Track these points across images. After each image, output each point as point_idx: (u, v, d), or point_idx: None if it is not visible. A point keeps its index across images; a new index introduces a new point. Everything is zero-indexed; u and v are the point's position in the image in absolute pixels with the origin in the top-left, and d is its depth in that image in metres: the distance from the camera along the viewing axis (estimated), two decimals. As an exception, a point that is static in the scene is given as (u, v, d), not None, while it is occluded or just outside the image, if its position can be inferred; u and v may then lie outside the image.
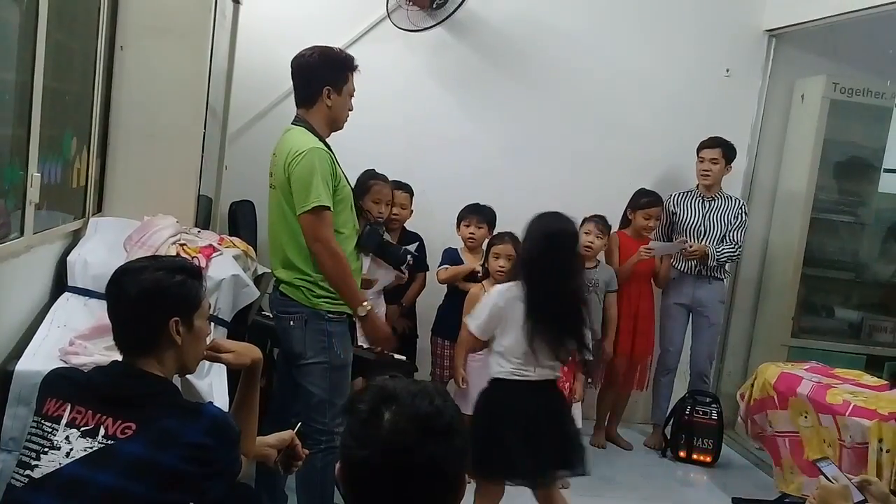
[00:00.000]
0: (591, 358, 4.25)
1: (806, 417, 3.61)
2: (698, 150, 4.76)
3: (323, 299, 2.99)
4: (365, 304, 3.06)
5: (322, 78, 3.03)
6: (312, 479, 3.00)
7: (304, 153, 2.88)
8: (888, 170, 4.05)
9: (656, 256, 4.67)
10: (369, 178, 4.03)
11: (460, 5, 4.59)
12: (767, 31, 5.12)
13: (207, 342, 2.05)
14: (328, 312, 3.00)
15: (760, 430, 3.95)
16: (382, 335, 3.22)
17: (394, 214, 4.17)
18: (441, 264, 4.32)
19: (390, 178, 4.22)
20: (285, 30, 4.62)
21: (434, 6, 4.56)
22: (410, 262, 3.77)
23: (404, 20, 4.61)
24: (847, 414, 3.33)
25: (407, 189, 4.36)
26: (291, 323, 3.01)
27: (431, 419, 1.33)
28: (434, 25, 4.64)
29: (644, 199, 4.69)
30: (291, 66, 3.08)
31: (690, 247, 4.63)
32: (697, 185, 4.82)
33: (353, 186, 3.77)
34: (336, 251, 2.94)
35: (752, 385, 3.97)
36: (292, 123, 3.07)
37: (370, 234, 3.41)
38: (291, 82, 3.11)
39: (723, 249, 4.64)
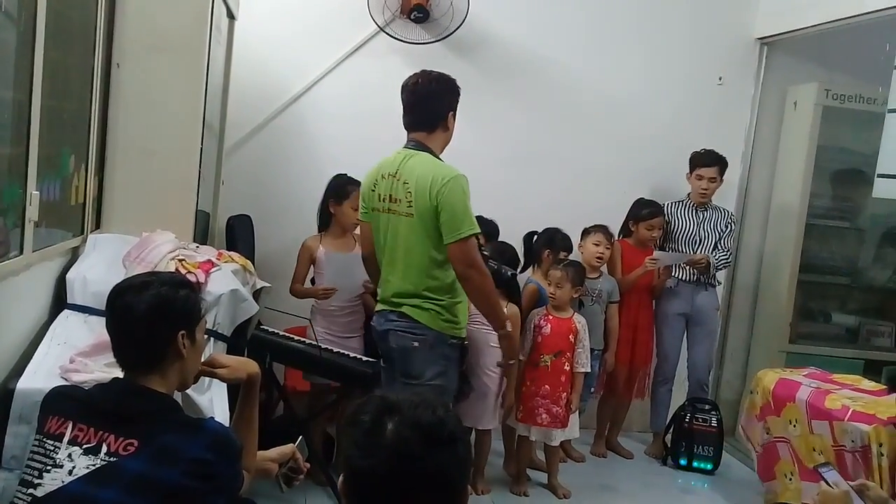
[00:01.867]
0: (589, 370, 4.28)
1: (794, 426, 3.62)
2: (695, 166, 4.75)
3: (449, 324, 3.09)
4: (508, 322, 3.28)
5: (447, 103, 3.14)
6: None
7: (451, 180, 2.96)
8: (882, 175, 4.06)
9: (661, 267, 4.68)
10: (346, 183, 3.99)
11: (460, 25, 4.61)
12: (759, 38, 5.15)
13: (204, 357, 2.06)
14: (451, 337, 3.10)
15: (761, 441, 3.96)
16: (517, 352, 3.63)
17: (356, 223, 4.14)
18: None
19: None
20: (281, 44, 4.65)
21: (412, 17, 4.57)
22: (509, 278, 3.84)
23: (395, 32, 4.63)
24: (846, 419, 3.34)
25: None
26: (416, 344, 3.05)
27: (434, 428, 1.34)
28: (433, 41, 4.66)
29: (645, 211, 4.71)
30: (412, 92, 3.12)
31: (695, 257, 4.65)
32: (689, 195, 4.84)
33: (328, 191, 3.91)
34: (487, 272, 3.05)
35: (753, 393, 3.98)
36: (410, 148, 3.10)
37: None
38: (408, 108, 3.15)
39: (719, 256, 4.70)
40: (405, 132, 4.67)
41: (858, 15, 4.32)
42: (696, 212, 4.79)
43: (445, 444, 1.34)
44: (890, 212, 5.21)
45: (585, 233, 4.60)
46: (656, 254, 4.64)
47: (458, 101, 3.20)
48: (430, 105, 3.12)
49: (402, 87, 3.16)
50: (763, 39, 5.14)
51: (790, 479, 3.73)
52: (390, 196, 3.07)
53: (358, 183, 4.00)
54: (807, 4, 4.70)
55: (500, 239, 4.30)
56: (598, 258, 4.51)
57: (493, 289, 3.12)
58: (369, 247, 3.30)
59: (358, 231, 3.74)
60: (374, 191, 3.15)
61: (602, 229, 4.58)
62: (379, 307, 3.24)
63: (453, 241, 2.96)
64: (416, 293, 3.05)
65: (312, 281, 4.13)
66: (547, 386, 4.08)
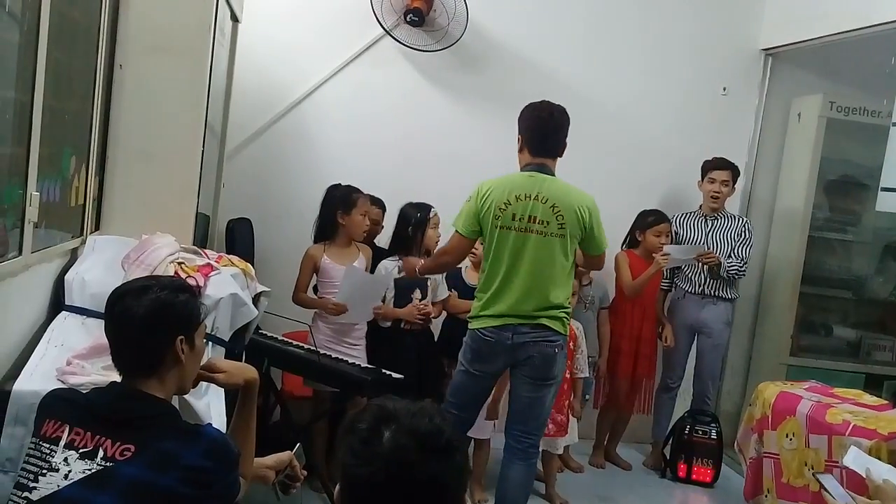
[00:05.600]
0: (588, 374, 4.27)
1: (791, 440, 3.60)
2: (707, 171, 4.75)
3: (567, 327, 3.51)
4: None
5: (567, 134, 3.50)
6: (529, 483, 3.61)
7: (594, 204, 3.46)
8: (885, 188, 4.04)
9: (672, 265, 4.64)
10: (351, 192, 4.00)
11: (464, 32, 4.62)
12: (764, 50, 5.15)
13: (202, 361, 2.04)
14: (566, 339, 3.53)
15: (751, 454, 3.94)
16: None
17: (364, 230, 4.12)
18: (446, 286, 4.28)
19: (382, 195, 4.22)
20: (284, 48, 4.66)
21: (408, 20, 4.57)
22: None
23: (400, 37, 4.64)
24: (847, 434, 3.32)
25: (380, 205, 4.31)
26: (556, 350, 3.43)
27: (431, 437, 1.34)
28: (439, 49, 4.66)
29: (651, 218, 4.70)
30: (548, 121, 3.44)
31: (707, 252, 4.58)
32: (700, 206, 4.82)
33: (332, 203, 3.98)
34: None
35: (752, 405, 3.96)
36: (542, 173, 3.42)
37: None
38: (545, 135, 3.47)
39: (731, 264, 4.63)
40: (408, 135, 4.76)
41: (864, 28, 4.32)
42: (707, 221, 4.77)
43: (442, 453, 1.34)
44: (893, 225, 5.20)
45: None
46: (666, 248, 4.57)
47: None
48: (562, 135, 3.48)
49: (533, 115, 3.48)
50: (768, 50, 5.14)
51: (766, 496, 3.72)
52: (531, 217, 3.36)
53: (359, 190, 4.01)
54: (812, 16, 4.70)
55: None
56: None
57: None
58: (460, 257, 3.69)
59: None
60: (504, 210, 3.37)
61: None
62: (500, 322, 3.41)
63: (598, 253, 3.57)
64: (552, 303, 3.39)
65: (315, 290, 4.11)
66: (552, 396, 4.07)
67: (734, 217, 4.82)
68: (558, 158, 3.50)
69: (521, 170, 3.50)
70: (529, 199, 3.36)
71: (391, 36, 4.65)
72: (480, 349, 3.46)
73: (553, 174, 3.45)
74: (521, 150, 3.54)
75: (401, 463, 1.31)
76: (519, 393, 3.50)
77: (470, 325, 3.53)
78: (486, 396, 3.65)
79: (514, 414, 3.53)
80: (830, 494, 2.59)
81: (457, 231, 3.53)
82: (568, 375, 4.11)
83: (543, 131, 3.46)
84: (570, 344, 4.12)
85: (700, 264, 4.67)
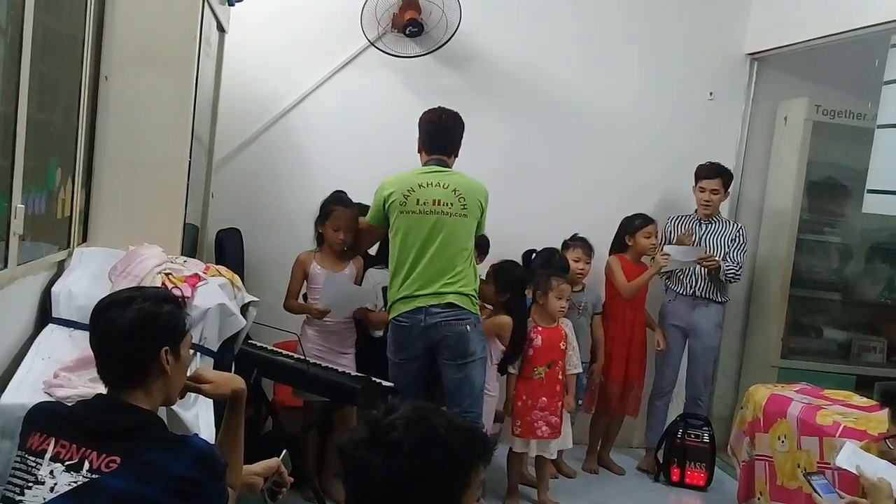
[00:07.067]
0: (581, 370, 4.28)
1: (783, 442, 3.61)
2: (697, 178, 4.77)
3: (477, 306, 3.72)
4: None
5: (462, 135, 3.83)
6: None
7: (486, 191, 3.76)
8: (871, 190, 4.07)
9: (672, 267, 4.62)
10: (332, 203, 4.03)
11: (450, 38, 4.62)
12: (749, 54, 5.17)
13: (189, 372, 2.04)
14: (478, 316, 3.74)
15: (743, 457, 3.95)
16: None
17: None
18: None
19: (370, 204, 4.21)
20: (271, 58, 4.65)
21: (407, 32, 4.57)
22: None
23: (386, 46, 4.64)
24: (837, 435, 3.33)
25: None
26: (468, 327, 3.62)
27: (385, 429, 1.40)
28: (423, 55, 4.66)
29: (638, 221, 4.70)
30: (438, 124, 3.78)
31: (707, 256, 4.59)
32: (696, 210, 4.84)
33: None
34: None
35: (744, 408, 3.97)
36: (441, 167, 3.73)
37: None
38: (436, 135, 3.79)
39: (727, 267, 4.63)
40: (396, 143, 4.75)
41: (848, 31, 4.35)
42: (700, 225, 4.79)
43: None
44: (879, 227, 5.23)
45: (565, 246, 4.59)
46: (667, 248, 4.59)
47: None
48: (454, 136, 3.80)
49: (426, 119, 3.80)
50: (753, 55, 5.16)
51: (759, 499, 3.73)
52: (434, 200, 3.62)
53: (343, 201, 4.00)
54: (797, 21, 4.73)
55: (491, 253, 4.29)
56: (578, 274, 4.50)
57: None
58: (373, 240, 4.06)
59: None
60: (408, 196, 3.64)
61: (581, 244, 4.58)
62: (412, 305, 3.61)
63: (479, 234, 3.81)
64: (460, 281, 3.61)
65: (305, 297, 4.10)
66: (544, 398, 4.07)
67: (729, 222, 4.84)
68: (454, 157, 3.81)
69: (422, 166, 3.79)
70: (431, 186, 3.65)
71: (376, 48, 4.64)
72: (398, 338, 3.69)
73: (450, 168, 3.75)
74: (419, 151, 3.83)
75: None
76: (446, 377, 3.69)
77: (389, 317, 3.72)
78: (420, 383, 3.74)
79: (449, 398, 3.72)
80: (820, 495, 2.59)
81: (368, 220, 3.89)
82: (561, 378, 4.12)
83: (434, 132, 3.78)
84: (562, 345, 4.14)
85: (692, 267, 4.68)
